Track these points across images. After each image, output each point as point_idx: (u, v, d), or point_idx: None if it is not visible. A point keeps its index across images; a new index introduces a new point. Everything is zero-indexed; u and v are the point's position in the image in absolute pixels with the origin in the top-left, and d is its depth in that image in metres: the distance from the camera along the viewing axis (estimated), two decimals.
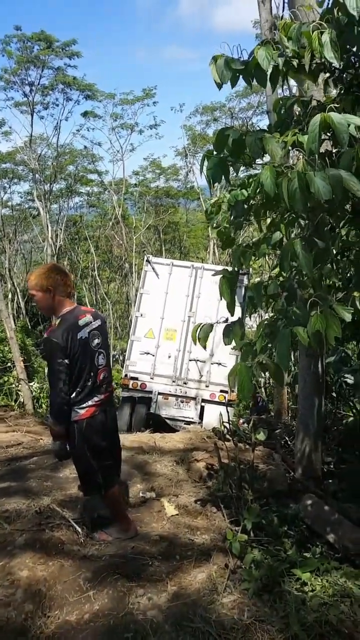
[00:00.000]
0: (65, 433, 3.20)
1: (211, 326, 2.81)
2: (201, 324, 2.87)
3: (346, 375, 6.04)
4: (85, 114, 25.44)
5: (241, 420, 9.78)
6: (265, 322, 2.51)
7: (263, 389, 12.62)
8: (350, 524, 3.58)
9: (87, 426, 3.20)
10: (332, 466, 5.46)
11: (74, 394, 3.15)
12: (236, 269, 2.84)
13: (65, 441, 3.24)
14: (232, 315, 2.87)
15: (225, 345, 2.96)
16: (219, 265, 14.03)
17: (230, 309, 2.76)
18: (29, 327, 24.14)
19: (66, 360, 3.03)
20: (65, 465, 4.76)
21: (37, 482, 4.23)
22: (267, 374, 2.82)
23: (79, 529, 3.42)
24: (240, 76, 2.66)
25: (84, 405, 3.19)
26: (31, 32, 21.52)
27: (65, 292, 3.20)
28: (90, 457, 3.24)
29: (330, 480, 4.94)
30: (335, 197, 1.99)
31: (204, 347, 2.92)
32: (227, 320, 2.95)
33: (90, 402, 3.20)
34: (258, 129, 2.86)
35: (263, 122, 26.57)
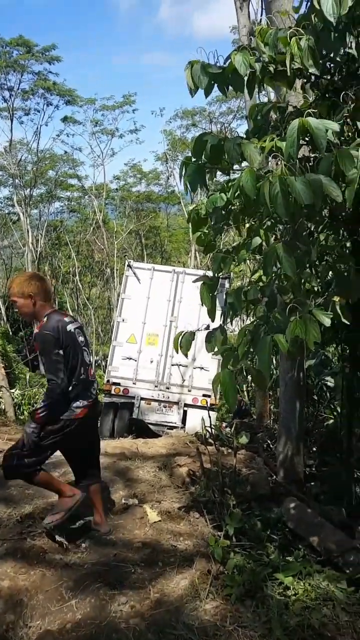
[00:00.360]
0: (49, 421, 3.19)
1: (193, 334, 2.81)
2: (183, 331, 2.87)
3: (326, 378, 6.10)
4: (65, 119, 25.38)
5: (224, 424, 9.80)
6: (247, 328, 2.51)
7: (245, 393, 12.66)
8: (332, 527, 3.61)
9: (74, 427, 3.26)
10: (314, 469, 5.50)
11: (70, 387, 3.23)
12: (216, 274, 2.85)
13: (43, 429, 3.20)
14: (213, 321, 2.88)
15: (208, 352, 2.97)
16: (200, 269, 14.10)
17: (211, 315, 2.76)
18: (10, 334, 23.84)
19: (61, 351, 3.15)
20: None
21: (18, 490, 4.16)
22: (249, 378, 2.83)
23: (62, 540, 3.36)
24: (215, 85, 2.67)
25: (80, 404, 3.28)
26: (9, 38, 21.40)
27: (46, 297, 3.32)
28: (48, 450, 3.30)
29: (312, 483, 4.97)
30: (315, 202, 2.01)
31: (186, 356, 2.92)
32: (208, 327, 2.96)
33: (85, 402, 3.31)
34: (236, 134, 2.88)
35: (243, 127, 26.84)
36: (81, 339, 3.39)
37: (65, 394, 3.17)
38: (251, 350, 2.39)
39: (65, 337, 3.21)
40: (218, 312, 3.15)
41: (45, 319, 3.22)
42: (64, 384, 3.13)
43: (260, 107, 2.95)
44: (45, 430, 3.19)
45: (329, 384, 6.06)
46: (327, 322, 2.07)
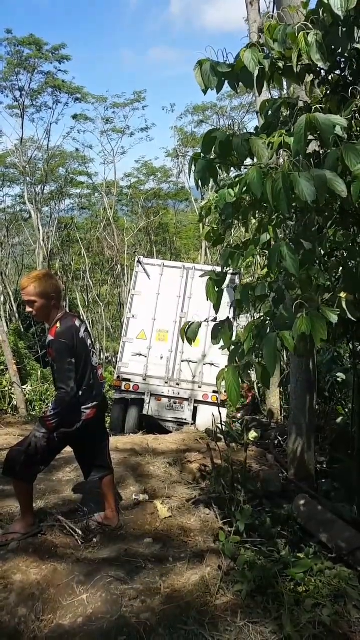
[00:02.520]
0: (59, 427, 3.22)
1: (199, 324, 2.81)
2: (190, 322, 2.87)
3: (338, 375, 6.08)
4: (75, 117, 25.42)
5: (238, 414, 9.78)
6: (254, 323, 2.51)
7: (256, 388, 12.65)
8: (344, 524, 3.60)
9: (83, 426, 3.30)
10: (325, 466, 5.49)
11: (80, 393, 3.25)
12: (224, 269, 2.85)
13: (52, 434, 3.23)
14: (217, 314, 2.88)
15: (214, 345, 2.97)
16: (210, 265, 14.07)
17: (217, 310, 2.77)
18: (22, 330, 24.05)
19: (73, 360, 3.15)
20: (59, 468, 4.76)
21: None
22: (252, 374, 2.82)
23: (77, 531, 3.39)
24: (226, 81, 2.67)
25: (90, 405, 3.32)
26: (21, 36, 21.48)
27: (60, 298, 3.30)
28: (54, 454, 3.36)
29: (324, 480, 4.96)
30: (320, 197, 2.00)
31: (190, 344, 2.92)
32: (216, 319, 2.96)
33: (95, 402, 3.35)
34: (245, 130, 2.88)
35: (254, 122, 26.68)
36: (89, 342, 3.40)
37: (74, 400, 3.19)
38: (257, 346, 2.39)
39: (79, 345, 3.21)
40: (228, 308, 3.15)
41: (58, 324, 3.17)
42: (74, 392, 3.14)
43: (271, 104, 2.94)
44: (56, 435, 3.23)
45: (339, 379, 6.04)
46: (334, 318, 2.06)
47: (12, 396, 12.51)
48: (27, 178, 25.01)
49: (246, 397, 10.64)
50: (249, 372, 2.62)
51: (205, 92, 2.69)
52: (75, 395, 3.17)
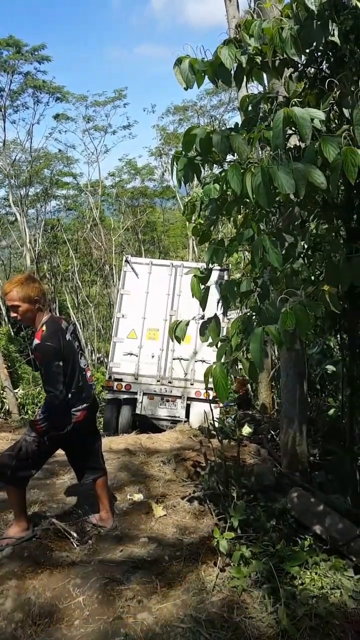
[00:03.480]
0: (50, 430, 3.21)
1: (187, 323, 2.81)
2: (177, 321, 2.87)
3: (328, 367, 6.10)
4: (57, 117, 25.27)
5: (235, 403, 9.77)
6: (240, 319, 2.52)
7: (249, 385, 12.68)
8: (338, 515, 3.62)
9: (74, 429, 3.28)
10: (317, 458, 5.52)
11: (69, 396, 3.23)
12: (210, 266, 2.84)
13: (43, 437, 3.22)
14: (204, 310, 2.88)
15: (202, 342, 2.97)
16: (199, 262, 14.07)
17: (203, 307, 2.77)
18: (12, 334, 23.88)
19: (61, 363, 3.11)
20: (52, 471, 4.73)
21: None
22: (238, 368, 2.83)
23: (72, 533, 3.38)
24: (206, 76, 2.66)
25: (80, 407, 3.29)
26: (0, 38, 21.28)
27: (45, 301, 3.25)
28: (46, 457, 3.35)
29: (317, 472, 4.99)
30: (299, 190, 2.00)
31: (179, 343, 2.92)
32: (203, 317, 2.96)
33: (85, 404, 3.32)
34: (226, 126, 2.87)
35: (235, 119, 26.71)
36: (77, 344, 3.37)
37: (64, 403, 3.17)
38: (244, 341, 2.39)
39: (65, 348, 3.17)
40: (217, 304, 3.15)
41: (44, 328, 3.14)
42: (63, 395, 3.12)
43: (251, 99, 2.94)
44: (47, 438, 3.22)
45: (329, 371, 6.07)
46: (318, 312, 2.07)
47: (4, 400, 12.44)
48: (11, 180, 24.82)
49: (238, 391, 10.66)
50: (237, 367, 2.62)
51: (186, 89, 2.69)
52: (64, 398, 3.15)
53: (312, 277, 2.53)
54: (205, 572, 3.01)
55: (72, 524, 3.56)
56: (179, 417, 8.84)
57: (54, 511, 3.82)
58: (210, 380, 2.39)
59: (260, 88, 6.60)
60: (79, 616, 2.64)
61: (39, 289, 3.19)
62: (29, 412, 12.92)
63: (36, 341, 3.14)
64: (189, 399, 8.95)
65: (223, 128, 2.73)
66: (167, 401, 9.02)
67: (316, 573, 3.02)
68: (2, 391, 12.36)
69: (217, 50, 2.61)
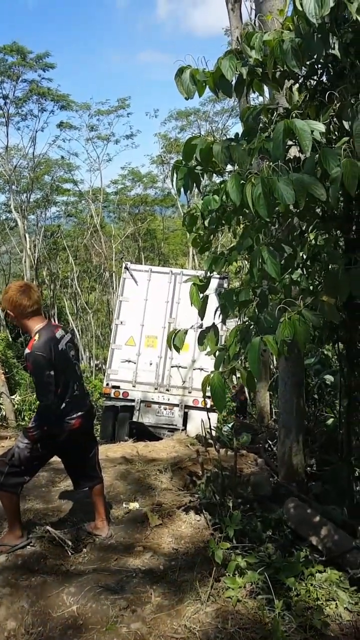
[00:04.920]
0: (41, 438, 3.20)
1: (186, 332, 2.81)
2: (176, 329, 2.88)
3: (326, 377, 6.10)
4: (60, 125, 25.44)
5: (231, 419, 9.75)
6: (238, 328, 2.52)
7: (247, 392, 12.66)
8: (334, 526, 3.60)
9: (69, 436, 3.26)
10: (314, 468, 5.50)
11: (63, 405, 3.20)
12: (208, 274, 2.85)
13: (36, 444, 3.21)
14: (202, 319, 2.89)
15: (200, 351, 2.98)
16: (198, 270, 14.12)
17: (201, 316, 2.77)
18: (10, 340, 23.85)
19: (52, 372, 3.08)
20: (47, 478, 4.71)
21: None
22: (234, 378, 2.83)
23: (67, 541, 3.36)
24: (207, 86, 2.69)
25: (74, 415, 3.26)
26: (3, 44, 21.47)
27: (38, 310, 3.23)
28: (38, 459, 3.31)
29: (314, 483, 4.97)
30: (299, 201, 2.02)
31: (178, 352, 2.93)
32: (202, 325, 2.96)
33: (80, 413, 3.29)
34: (230, 135, 2.90)
35: (237, 126, 26.92)
36: (72, 353, 3.33)
37: (56, 412, 3.15)
38: (242, 350, 2.40)
39: (57, 357, 3.12)
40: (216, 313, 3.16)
41: (37, 336, 3.12)
42: (54, 405, 3.11)
43: (252, 110, 2.96)
44: (39, 445, 3.21)
45: (327, 382, 6.06)
46: (317, 322, 2.07)
47: (1, 406, 12.39)
48: (13, 186, 24.92)
49: (238, 397, 10.65)
50: (235, 376, 2.63)
51: (187, 98, 2.72)
52: (57, 406, 3.13)
53: (311, 288, 2.54)
54: (200, 582, 2.98)
55: (67, 532, 3.54)
56: (176, 425, 8.81)
57: (49, 519, 3.80)
58: (208, 389, 2.39)
59: (262, 98, 6.67)
60: (73, 625, 2.62)
61: (31, 297, 3.16)
62: (26, 418, 12.87)
63: (27, 350, 3.13)
64: (186, 407, 8.93)
65: (225, 135, 2.76)
66: (165, 409, 9.00)
67: (312, 584, 3.00)
68: None
69: (218, 61, 2.64)
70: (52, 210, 30.14)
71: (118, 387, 9.08)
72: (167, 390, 9.01)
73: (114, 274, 27.05)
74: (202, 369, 8.93)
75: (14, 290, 3.17)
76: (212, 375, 2.39)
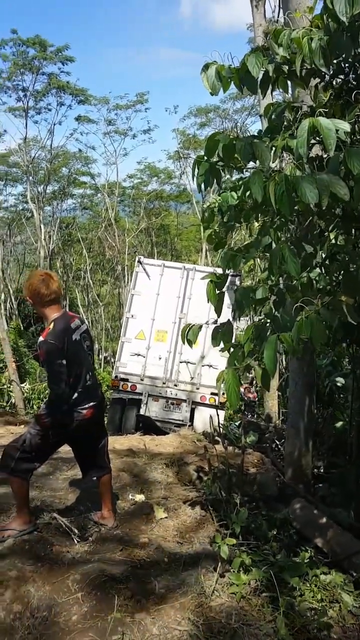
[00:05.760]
0: (52, 425, 3.23)
1: (200, 327, 2.81)
2: (190, 324, 2.88)
3: (337, 379, 6.08)
4: (78, 118, 25.48)
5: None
6: (254, 325, 2.52)
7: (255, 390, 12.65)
8: (339, 528, 3.60)
9: (80, 426, 3.29)
10: (322, 470, 5.49)
11: (75, 395, 3.24)
12: (225, 272, 2.85)
13: (47, 432, 3.24)
14: (219, 317, 2.89)
15: (214, 347, 2.98)
16: (211, 267, 14.10)
17: (218, 312, 2.77)
18: (22, 329, 24.06)
19: (64, 361, 3.11)
20: (56, 466, 4.76)
21: None
22: (249, 375, 2.83)
23: (74, 529, 3.40)
24: (232, 82, 2.68)
25: (86, 405, 3.29)
26: (26, 37, 21.56)
27: (55, 299, 3.27)
28: (49, 452, 3.38)
29: (320, 485, 4.96)
30: (322, 201, 2.01)
31: (190, 347, 2.93)
32: (216, 321, 2.96)
33: (92, 403, 3.32)
34: (248, 133, 2.89)
35: (256, 124, 26.78)
36: (87, 343, 3.36)
37: (68, 401, 3.18)
38: (257, 348, 2.39)
39: (70, 347, 3.16)
40: (229, 310, 3.16)
41: (52, 325, 3.16)
42: (66, 394, 3.13)
43: (275, 107, 2.95)
44: (51, 432, 3.24)
45: (338, 384, 6.03)
46: (334, 322, 2.06)
47: (11, 394, 12.53)
48: (30, 177, 25.05)
49: (246, 396, 10.64)
50: (248, 374, 2.63)
51: (212, 94, 2.72)
52: (68, 395, 3.16)
53: (329, 287, 2.53)
54: (205, 576, 3.00)
55: (73, 521, 3.57)
56: (183, 420, 8.82)
57: (56, 506, 3.84)
58: (222, 386, 2.39)
59: (284, 96, 6.62)
60: (77, 612, 2.65)
61: (50, 286, 3.21)
62: (35, 406, 12.99)
63: (40, 338, 3.17)
64: (194, 403, 8.93)
65: (245, 133, 2.76)
66: (172, 404, 9.01)
67: (316, 585, 3.00)
68: (9, 385, 12.45)
69: (244, 58, 2.63)
70: (68, 202, 30.29)
71: (126, 380, 9.11)
72: (175, 385, 9.02)
73: (126, 267, 27.11)
74: (211, 366, 8.93)
75: (35, 279, 3.23)
76: (225, 371, 2.40)
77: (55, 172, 26.99)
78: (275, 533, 3.57)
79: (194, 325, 2.85)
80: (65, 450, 3.81)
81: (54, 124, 24.93)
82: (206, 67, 2.66)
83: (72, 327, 3.25)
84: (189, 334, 2.83)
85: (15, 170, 27.29)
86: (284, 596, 2.81)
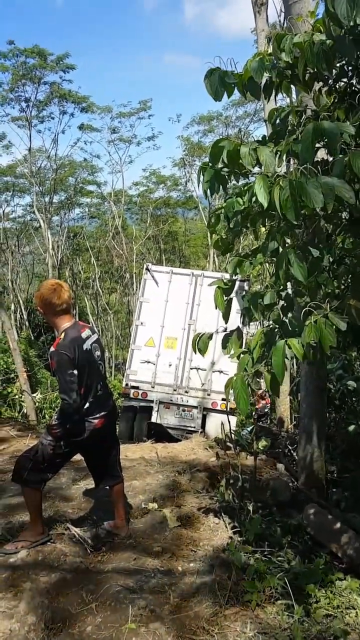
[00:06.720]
0: (64, 436, 3.24)
1: (211, 336, 2.81)
2: (200, 333, 2.87)
3: (348, 382, 6.02)
4: (81, 127, 25.70)
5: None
6: (262, 331, 2.51)
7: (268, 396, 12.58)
8: (354, 534, 3.55)
9: (91, 435, 3.29)
10: (335, 475, 5.43)
11: (87, 405, 3.24)
12: (232, 277, 2.85)
13: (59, 442, 3.25)
14: (226, 323, 2.89)
15: (224, 354, 2.97)
16: (219, 272, 14.11)
17: (225, 318, 2.77)
18: (32, 339, 24.20)
19: (75, 371, 3.12)
20: (68, 476, 4.75)
21: None
22: (261, 382, 2.82)
23: (87, 539, 3.39)
24: (236, 87, 2.70)
25: (97, 415, 3.30)
26: (25, 47, 21.80)
27: (66, 309, 3.28)
28: (62, 462, 3.38)
29: (334, 490, 4.91)
30: (328, 204, 2.00)
31: (203, 356, 2.93)
32: (226, 329, 2.96)
33: (103, 412, 3.33)
34: (252, 138, 2.90)
35: (260, 130, 26.86)
36: (97, 353, 3.37)
37: (79, 411, 3.18)
38: (266, 353, 2.38)
39: (81, 357, 3.17)
40: (238, 315, 3.16)
41: (62, 335, 3.18)
42: (77, 404, 3.13)
43: (279, 112, 2.96)
44: (62, 443, 3.24)
45: (350, 387, 5.98)
46: (342, 326, 2.05)
47: (23, 404, 12.57)
48: (36, 187, 25.29)
49: (257, 403, 10.57)
50: (259, 380, 2.62)
51: (216, 99, 2.73)
52: (79, 405, 3.16)
53: (337, 291, 2.52)
54: (219, 584, 2.97)
55: (86, 530, 3.57)
56: (194, 427, 8.79)
57: (69, 516, 3.84)
58: (231, 392, 2.39)
59: (287, 101, 6.62)
60: (92, 622, 2.64)
61: (61, 296, 3.22)
62: (46, 416, 13.02)
63: (52, 348, 3.19)
64: (205, 409, 8.90)
65: (248, 139, 2.77)
66: (183, 411, 8.99)
67: (331, 591, 2.97)
68: (20, 395, 12.50)
69: (247, 63, 2.64)
70: (75, 211, 30.53)
71: (137, 388, 9.11)
72: (186, 392, 9.00)
73: (134, 275, 27.20)
74: (221, 372, 8.90)
75: (46, 288, 3.24)
76: (235, 378, 2.39)
77: (62, 181, 27.22)
78: (289, 539, 3.54)
79: (204, 334, 2.85)
80: (78, 459, 3.81)
81: (58, 133, 25.21)
82: (210, 73, 2.68)
83: (82, 336, 3.26)
84: (199, 343, 2.83)
85: (22, 181, 27.59)
86: (299, 603, 2.78)
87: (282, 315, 2.51)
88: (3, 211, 28.86)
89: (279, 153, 2.50)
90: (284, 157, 2.60)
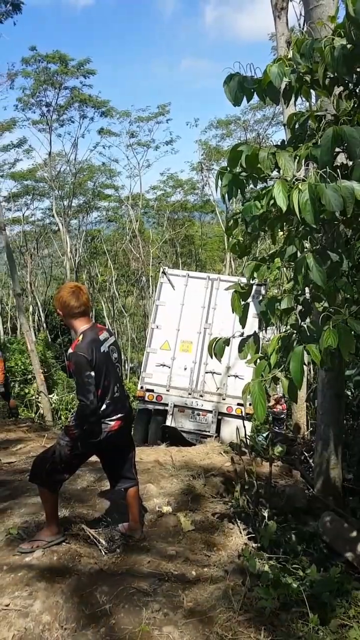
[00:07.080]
0: (81, 437, 3.26)
1: (227, 340, 2.81)
2: (217, 338, 2.87)
3: None
4: (101, 131, 25.93)
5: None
6: (280, 336, 2.50)
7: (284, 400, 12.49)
8: None
9: (108, 437, 3.31)
10: (352, 483, 5.36)
11: (103, 407, 3.26)
12: (250, 282, 2.85)
13: (76, 443, 3.27)
14: (243, 328, 2.88)
15: (241, 359, 2.96)
16: (235, 276, 14.04)
17: (243, 323, 2.76)
18: (49, 340, 24.42)
19: (92, 373, 3.15)
20: (84, 477, 4.78)
21: None
22: (279, 387, 2.80)
23: (101, 541, 3.41)
24: (255, 92, 2.70)
25: (114, 417, 3.32)
26: (46, 52, 22.12)
27: (84, 311, 3.32)
28: (79, 463, 3.40)
29: (351, 497, 4.85)
30: (347, 208, 1.99)
31: (220, 360, 2.93)
32: (242, 334, 2.95)
33: (120, 415, 3.35)
34: (271, 142, 2.90)
35: (278, 134, 26.77)
36: (115, 355, 3.39)
37: (96, 412, 3.19)
38: (283, 359, 2.37)
39: (99, 359, 3.20)
40: (255, 320, 3.16)
41: (81, 337, 3.21)
42: (94, 405, 3.14)
43: (299, 116, 2.95)
44: (79, 444, 3.27)
45: None
46: None
47: (39, 405, 12.69)
48: (56, 191, 25.59)
49: (274, 407, 10.50)
50: (276, 385, 2.60)
51: (235, 105, 2.74)
52: (96, 407, 3.18)
53: (356, 296, 2.50)
54: (233, 590, 2.96)
55: (101, 532, 3.58)
56: (209, 431, 8.76)
57: (85, 517, 3.86)
58: (249, 397, 2.38)
59: (306, 105, 6.59)
60: (105, 624, 2.64)
61: (82, 299, 3.27)
62: (62, 417, 13.12)
63: (70, 350, 3.22)
64: (220, 414, 8.86)
65: (267, 143, 2.76)
66: (198, 415, 8.97)
67: (347, 601, 2.92)
68: (37, 396, 12.62)
69: (266, 69, 2.65)
70: (93, 215, 30.80)
71: (152, 391, 9.13)
72: (201, 396, 8.98)
73: (151, 278, 27.30)
74: (237, 376, 8.86)
75: (65, 291, 3.29)
76: (252, 383, 2.38)
77: (81, 185, 27.49)
78: (304, 547, 3.51)
79: (220, 338, 2.85)
80: (94, 461, 3.83)
81: (77, 138, 25.49)
82: (229, 78, 2.69)
83: (100, 339, 3.29)
84: (215, 348, 2.83)
85: (42, 185, 27.94)
86: (314, 612, 2.74)
87: (299, 321, 2.49)
88: (23, 214, 29.28)
89: (297, 157, 2.50)
90: (303, 162, 2.59)
